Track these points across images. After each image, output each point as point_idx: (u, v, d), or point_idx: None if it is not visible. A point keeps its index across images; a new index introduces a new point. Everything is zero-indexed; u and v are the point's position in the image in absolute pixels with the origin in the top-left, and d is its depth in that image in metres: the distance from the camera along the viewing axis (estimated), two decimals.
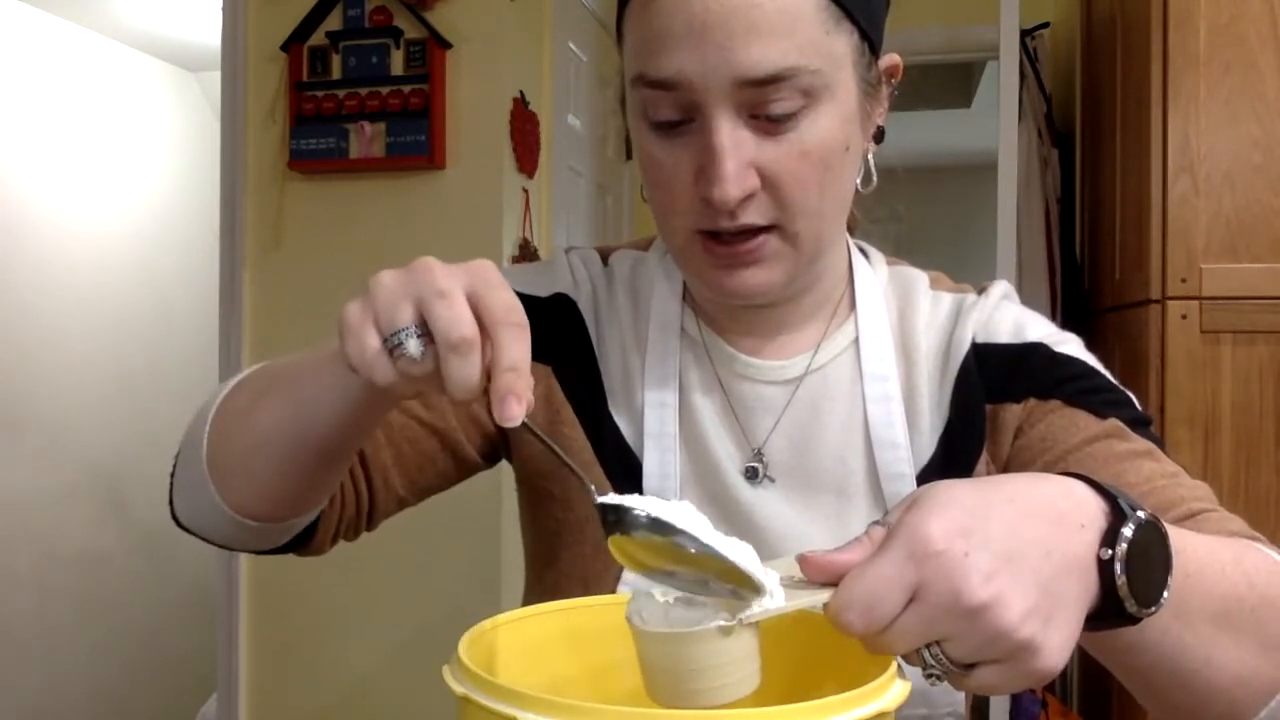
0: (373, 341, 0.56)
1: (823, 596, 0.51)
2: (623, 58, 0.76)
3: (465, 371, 0.54)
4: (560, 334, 0.85)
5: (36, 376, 3.30)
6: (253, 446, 0.71)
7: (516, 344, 0.55)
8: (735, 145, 0.69)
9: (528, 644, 0.60)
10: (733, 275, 0.73)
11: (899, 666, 0.51)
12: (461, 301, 0.55)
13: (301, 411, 0.68)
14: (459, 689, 0.48)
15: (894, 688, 0.49)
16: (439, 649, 0.71)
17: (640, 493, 0.79)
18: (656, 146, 0.72)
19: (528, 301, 0.85)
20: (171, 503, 0.79)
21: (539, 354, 0.84)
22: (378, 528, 0.88)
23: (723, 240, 0.72)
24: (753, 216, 0.71)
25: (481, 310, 0.55)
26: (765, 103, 0.68)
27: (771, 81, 0.67)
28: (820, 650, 0.57)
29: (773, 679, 0.54)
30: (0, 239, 3.19)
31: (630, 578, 0.77)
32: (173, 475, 0.79)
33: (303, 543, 0.82)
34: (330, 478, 0.74)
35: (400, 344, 0.55)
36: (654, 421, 0.81)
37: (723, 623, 0.50)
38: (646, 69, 0.70)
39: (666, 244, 0.79)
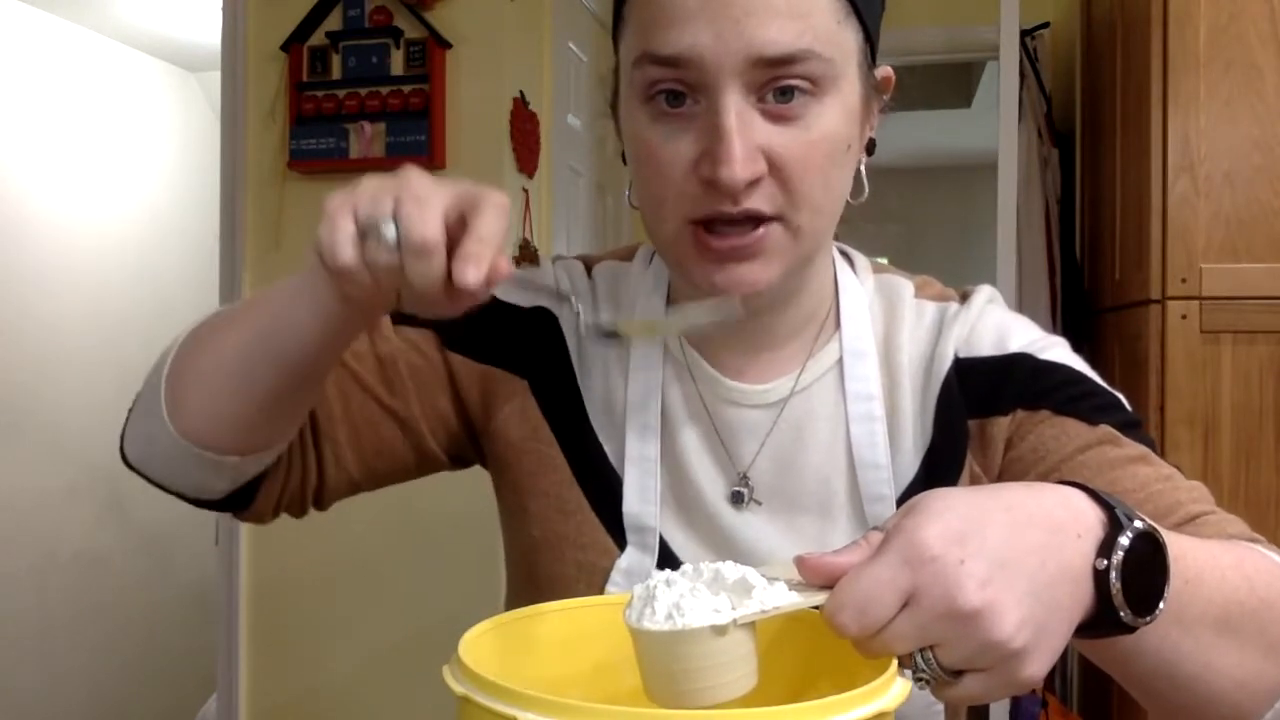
0: (346, 225, 0.58)
1: (819, 598, 0.51)
2: (618, 45, 0.75)
3: (424, 270, 0.57)
4: (538, 349, 0.84)
5: (36, 376, 3.30)
6: (213, 362, 0.72)
7: (489, 220, 0.57)
8: (744, 126, 0.67)
9: (528, 644, 0.60)
10: (726, 270, 0.71)
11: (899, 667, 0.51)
12: (435, 210, 0.58)
13: (267, 325, 0.69)
14: (459, 689, 0.48)
15: (894, 687, 0.49)
16: (438, 649, 0.71)
17: (620, 514, 0.79)
18: (653, 132, 0.70)
19: (510, 310, 0.84)
20: (122, 437, 0.78)
21: (516, 366, 0.83)
22: (330, 507, 0.86)
23: (721, 233, 0.70)
24: (760, 203, 0.69)
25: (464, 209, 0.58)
26: (776, 83, 0.67)
27: (786, 62, 0.66)
28: (820, 650, 0.57)
29: (773, 679, 0.54)
30: (0, 239, 3.19)
31: (619, 579, 0.77)
32: (130, 410, 0.78)
33: (244, 503, 0.80)
34: (285, 408, 0.73)
35: (376, 226, 0.58)
36: (635, 445, 0.80)
37: (717, 622, 0.50)
38: (653, 45, 0.68)
39: (654, 237, 0.76)
